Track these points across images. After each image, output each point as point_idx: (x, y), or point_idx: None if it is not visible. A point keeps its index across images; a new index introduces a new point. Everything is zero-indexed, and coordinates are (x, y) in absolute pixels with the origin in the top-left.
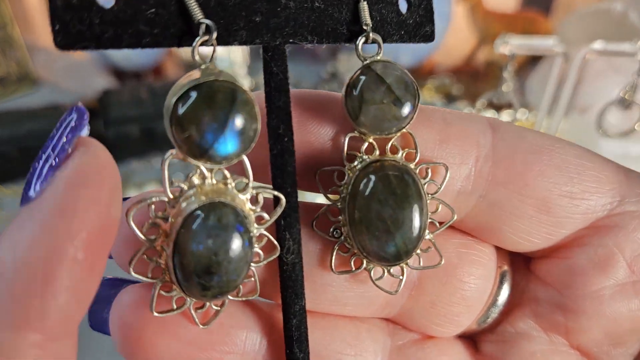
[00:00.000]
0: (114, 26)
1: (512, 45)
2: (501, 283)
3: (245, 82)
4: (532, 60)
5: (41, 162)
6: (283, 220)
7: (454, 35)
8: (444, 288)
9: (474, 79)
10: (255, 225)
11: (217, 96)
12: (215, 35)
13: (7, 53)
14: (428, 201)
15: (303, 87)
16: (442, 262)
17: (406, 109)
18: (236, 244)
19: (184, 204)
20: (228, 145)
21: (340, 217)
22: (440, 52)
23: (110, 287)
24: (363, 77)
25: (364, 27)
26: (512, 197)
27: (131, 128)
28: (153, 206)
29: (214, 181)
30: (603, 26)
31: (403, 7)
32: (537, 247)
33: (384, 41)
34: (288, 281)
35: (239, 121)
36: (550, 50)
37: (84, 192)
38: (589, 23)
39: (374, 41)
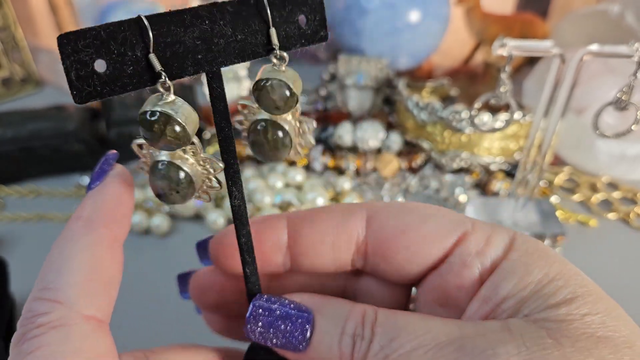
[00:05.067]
0: (107, 84)
1: (509, 47)
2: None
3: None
4: (530, 62)
5: (95, 176)
6: (230, 180)
7: (452, 38)
8: None
9: (472, 81)
10: (204, 173)
11: (159, 123)
12: (167, 78)
13: (10, 55)
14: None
15: (304, 88)
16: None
17: (288, 109)
18: (175, 186)
19: (159, 152)
20: (160, 153)
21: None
22: (438, 55)
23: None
24: (263, 82)
25: (274, 47)
26: (380, 262)
27: (134, 129)
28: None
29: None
30: (600, 28)
31: (303, 22)
32: (418, 280)
33: (290, 49)
34: (236, 216)
35: (168, 137)
36: (548, 52)
37: (114, 184)
38: (586, 25)
39: (282, 57)
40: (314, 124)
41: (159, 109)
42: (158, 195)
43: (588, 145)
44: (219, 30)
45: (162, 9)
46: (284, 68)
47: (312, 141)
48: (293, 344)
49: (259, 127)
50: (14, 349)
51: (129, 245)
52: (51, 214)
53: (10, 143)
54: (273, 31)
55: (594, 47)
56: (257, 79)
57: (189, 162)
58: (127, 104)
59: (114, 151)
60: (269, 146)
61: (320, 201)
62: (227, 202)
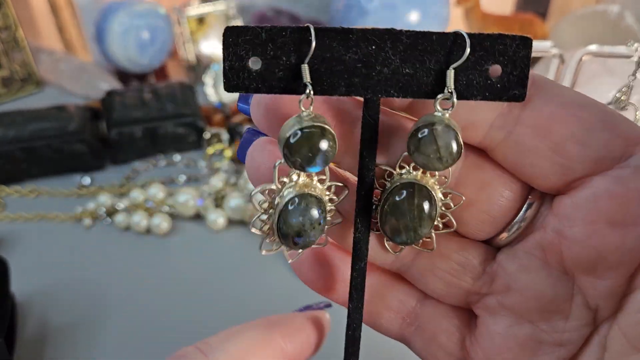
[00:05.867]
0: (256, 81)
1: None
2: (528, 207)
3: None
4: None
5: (304, 307)
6: (357, 211)
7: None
8: (479, 195)
9: None
10: (329, 204)
11: (313, 135)
12: (312, 92)
13: (11, 55)
14: (439, 213)
15: None
16: (434, 248)
17: (445, 166)
18: (316, 219)
19: (286, 192)
20: (316, 167)
21: (377, 200)
22: None
23: (252, 135)
24: (425, 131)
25: (448, 91)
26: (533, 137)
27: (134, 129)
28: (267, 191)
29: (304, 178)
30: (599, 29)
31: (496, 73)
32: (553, 184)
33: (468, 99)
34: (355, 248)
35: (324, 147)
36: (547, 52)
37: (313, 326)
38: (585, 25)
39: (452, 103)
40: (463, 199)
41: (313, 123)
42: (297, 236)
43: None
44: (385, 59)
45: (163, 10)
46: (447, 116)
47: (454, 223)
48: None
49: (397, 197)
50: None
51: (129, 245)
52: (52, 214)
53: (12, 143)
54: (451, 72)
55: (593, 47)
56: (413, 127)
57: (317, 189)
58: (128, 104)
59: (329, 302)
60: (409, 219)
61: None
62: (227, 202)
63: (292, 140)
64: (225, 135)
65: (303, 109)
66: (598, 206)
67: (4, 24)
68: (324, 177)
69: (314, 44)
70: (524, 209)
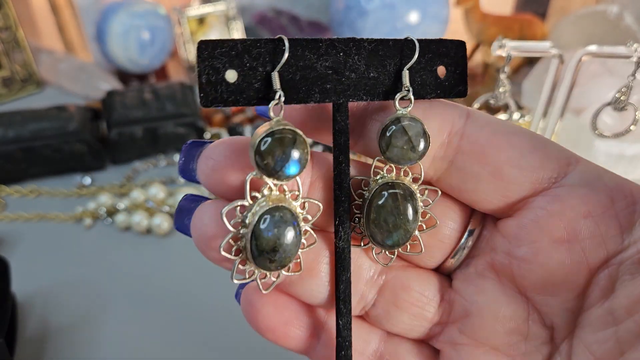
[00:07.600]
0: (234, 94)
1: (508, 47)
2: (469, 234)
3: None
4: (529, 63)
5: None
6: (338, 218)
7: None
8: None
9: (471, 82)
10: (303, 223)
11: (285, 139)
12: (283, 99)
13: (11, 55)
14: (421, 211)
15: None
16: (423, 251)
17: (419, 155)
18: (291, 233)
19: (257, 208)
20: (290, 170)
21: (358, 212)
22: None
23: (191, 202)
24: (393, 127)
25: (405, 89)
26: (473, 164)
27: (134, 129)
28: (238, 208)
29: (277, 192)
30: (598, 29)
31: (442, 73)
32: (496, 206)
33: (423, 97)
34: (338, 259)
35: (296, 154)
36: (546, 52)
37: None
38: (585, 26)
39: (409, 99)
40: (439, 193)
41: (283, 127)
42: (272, 251)
43: (586, 146)
44: (352, 64)
45: (163, 10)
46: (408, 113)
47: (437, 220)
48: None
49: (379, 201)
50: None
51: (129, 245)
52: (52, 213)
53: (12, 143)
54: (406, 72)
55: (593, 47)
56: (380, 128)
57: (291, 204)
58: (128, 104)
59: None
60: (397, 217)
61: None
62: None
63: (262, 146)
64: (225, 136)
65: (273, 115)
66: (540, 225)
67: (4, 24)
68: (297, 193)
69: (286, 54)
70: (465, 236)
